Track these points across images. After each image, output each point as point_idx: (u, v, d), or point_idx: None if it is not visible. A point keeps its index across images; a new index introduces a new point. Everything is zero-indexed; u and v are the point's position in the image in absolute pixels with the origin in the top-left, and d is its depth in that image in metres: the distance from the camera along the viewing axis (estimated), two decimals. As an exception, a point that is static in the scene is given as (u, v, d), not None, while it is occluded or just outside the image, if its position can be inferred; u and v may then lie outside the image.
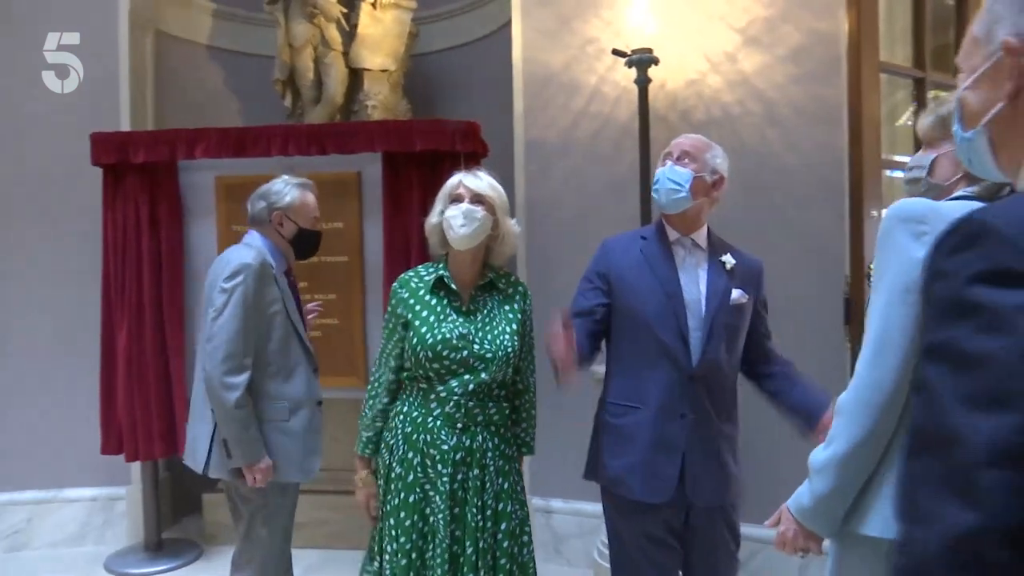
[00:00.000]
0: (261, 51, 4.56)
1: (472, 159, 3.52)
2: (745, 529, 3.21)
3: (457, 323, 2.08)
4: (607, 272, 2.16)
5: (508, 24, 3.80)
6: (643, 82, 3.17)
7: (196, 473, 2.56)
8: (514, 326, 2.14)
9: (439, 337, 2.05)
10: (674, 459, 2.04)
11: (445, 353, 2.04)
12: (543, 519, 3.65)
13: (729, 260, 2.13)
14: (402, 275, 2.22)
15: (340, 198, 3.65)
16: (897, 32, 3.36)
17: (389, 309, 2.20)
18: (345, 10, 4.25)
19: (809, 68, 3.10)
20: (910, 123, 3.50)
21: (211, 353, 2.40)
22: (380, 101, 4.17)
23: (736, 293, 2.09)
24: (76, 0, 3.89)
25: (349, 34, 4.22)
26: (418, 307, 2.10)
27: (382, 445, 2.16)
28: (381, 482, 2.15)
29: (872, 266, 2.86)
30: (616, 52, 3.22)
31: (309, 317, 2.80)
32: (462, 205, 2.06)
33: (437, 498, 2.05)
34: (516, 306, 2.18)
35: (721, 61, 3.26)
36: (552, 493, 3.65)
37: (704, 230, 2.18)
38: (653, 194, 2.13)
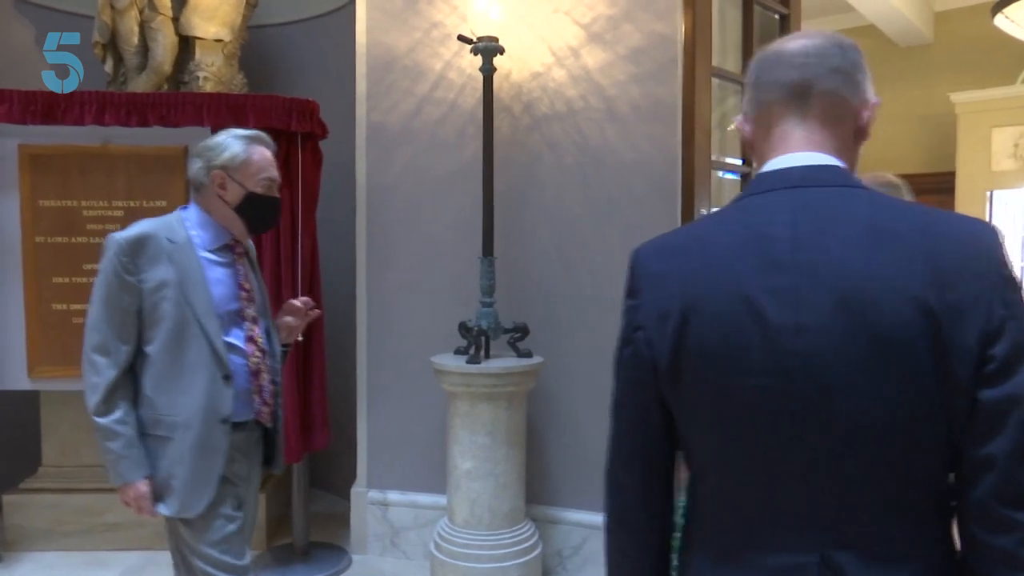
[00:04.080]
0: (78, 9, 4.15)
1: (309, 140, 3.37)
2: (577, 515, 3.30)
3: None
4: None
5: (352, 2, 3.67)
6: (488, 71, 3.14)
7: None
8: None
9: None
10: None
11: None
12: (379, 512, 3.57)
13: None
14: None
15: (164, 175, 3.39)
16: (728, 43, 3.52)
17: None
18: (176, -28, 3.94)
19: (647, 68, 3.18)
20: (739, 127, 3.67)
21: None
22: (213, 73, 3.90)
23: None
24: None
25: (180, -2, 3.91)
26: None
27: None
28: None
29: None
30: (462, 38, 3.17)
31: (286, 318, 2.27)
32: None
33: None
34: None
35: (566, 55, 3.29)
36: (388, 485, 3.58)
37: None
38: None
